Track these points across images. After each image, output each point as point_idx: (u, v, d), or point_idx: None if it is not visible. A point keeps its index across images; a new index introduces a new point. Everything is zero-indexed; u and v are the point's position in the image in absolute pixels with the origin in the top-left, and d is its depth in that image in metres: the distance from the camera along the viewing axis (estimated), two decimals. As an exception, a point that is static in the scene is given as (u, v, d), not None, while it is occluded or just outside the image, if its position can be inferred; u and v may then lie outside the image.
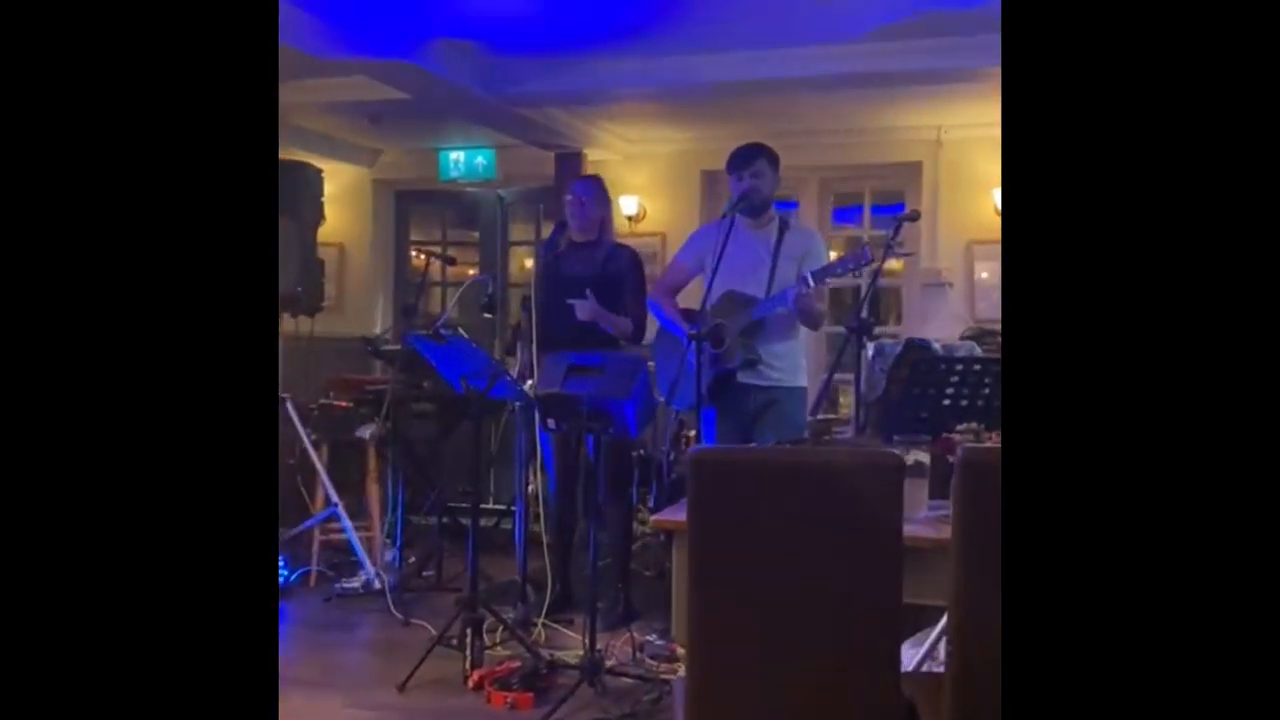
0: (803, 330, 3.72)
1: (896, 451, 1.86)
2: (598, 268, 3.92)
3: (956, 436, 2.38)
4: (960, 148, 5.64)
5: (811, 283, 3.38)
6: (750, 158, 3.63)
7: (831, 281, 3.70)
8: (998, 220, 5.40)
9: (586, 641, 3.16)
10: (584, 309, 3.80)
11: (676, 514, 2.18)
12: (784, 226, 3.67)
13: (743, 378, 3.61)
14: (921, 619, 2.73)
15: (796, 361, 3.71)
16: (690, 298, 3.88)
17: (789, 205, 6.09)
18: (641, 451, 4.60)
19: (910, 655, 2.67)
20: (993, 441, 2.38)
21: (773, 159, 3.68)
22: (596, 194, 3.99)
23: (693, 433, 4.24)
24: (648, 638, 3.60)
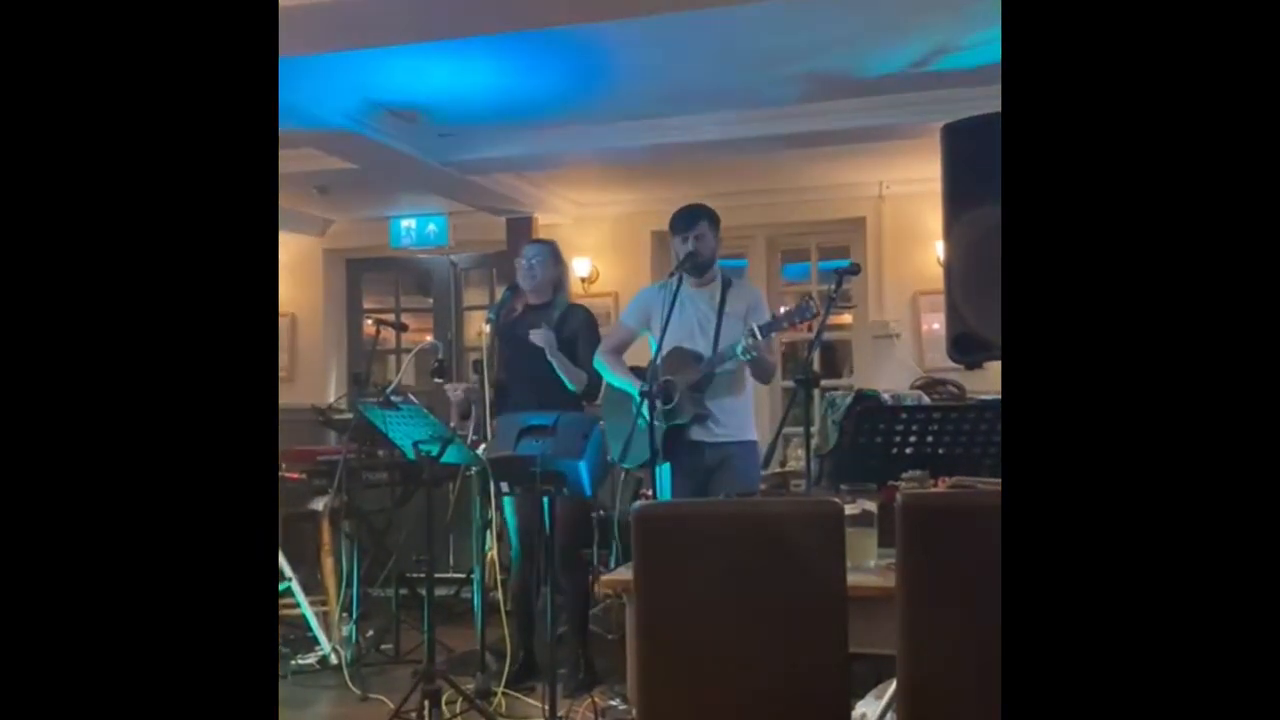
0: (750, 384, 3.75)
1: (837, 500, 1.87)
2: (552, 328, 3.94)
3: (901, 484, 2.40)
4: (902, 202, 5.77)
5: (760, 335, 3.42)
6: (692, 220, 3.66)
7: (782, 335, 3.74)
8: (939, 271, 5.51)
9: (546, 709, 3.11)
10: (539, 336, 3.81)
11: (627, 573, 2.17)
12: (726, 284, 3.72)
13: (694, 434, 3.61)
14: (883, 671, 2.72)
15: (746, 416, 3.72)
16: (636, 357, 3.91)
17: (738, 263, 6.18)
18: (601, 512, 4.57)
19: (874, 708, 2.66)
20: (936, 488, 2.41)
21: (714, 220, 3.72)
22: (547, 257, 4.03)
23: (649, 492, 4.23)
24: (610, 702, 3.55)
